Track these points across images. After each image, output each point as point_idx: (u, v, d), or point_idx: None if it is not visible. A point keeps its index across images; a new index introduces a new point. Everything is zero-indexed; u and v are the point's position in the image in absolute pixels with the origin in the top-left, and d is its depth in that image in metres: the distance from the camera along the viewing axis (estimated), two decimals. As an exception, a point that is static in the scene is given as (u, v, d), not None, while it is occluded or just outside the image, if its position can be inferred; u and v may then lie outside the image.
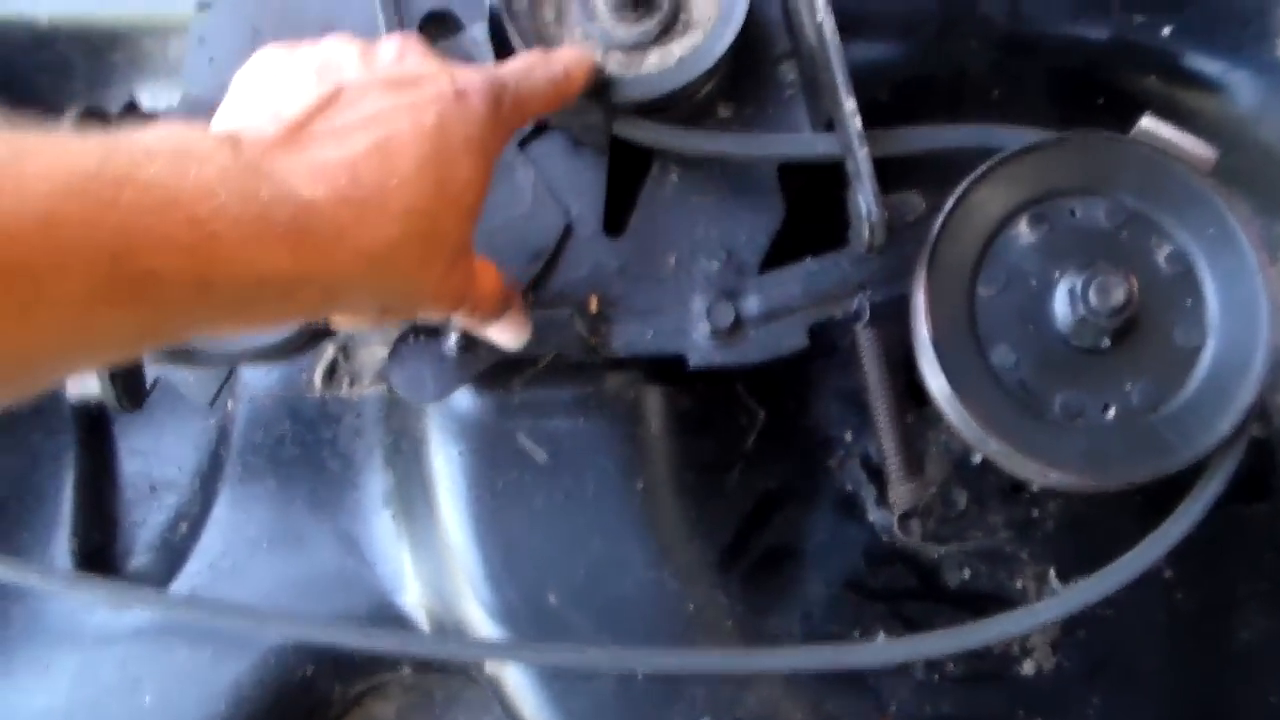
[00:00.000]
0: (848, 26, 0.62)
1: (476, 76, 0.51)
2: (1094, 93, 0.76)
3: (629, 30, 0.63)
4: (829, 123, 0.62)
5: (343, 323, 0.54)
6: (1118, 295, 0.56)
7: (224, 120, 0.49)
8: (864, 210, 0.57)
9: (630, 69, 0.63)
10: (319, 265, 0.43)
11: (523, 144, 0.66)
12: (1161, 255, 0.59)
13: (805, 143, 0.64)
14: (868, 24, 0.70)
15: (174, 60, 0.79)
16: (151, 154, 0.38)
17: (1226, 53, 0.71)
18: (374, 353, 0.76)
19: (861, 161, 0.57)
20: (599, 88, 0.61)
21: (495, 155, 0.52)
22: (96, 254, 0.35)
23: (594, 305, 0.64)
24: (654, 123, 0.63)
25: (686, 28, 0.63)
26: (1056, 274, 0.59)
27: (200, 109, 0.69)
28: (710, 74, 0.62)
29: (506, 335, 0.61)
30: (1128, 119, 0.73)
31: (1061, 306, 0.58)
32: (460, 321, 0.59)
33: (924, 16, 0.70)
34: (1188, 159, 0.60)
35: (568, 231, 0.65)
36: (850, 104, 0.57)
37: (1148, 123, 0.60)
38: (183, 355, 0.61)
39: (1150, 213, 0.60)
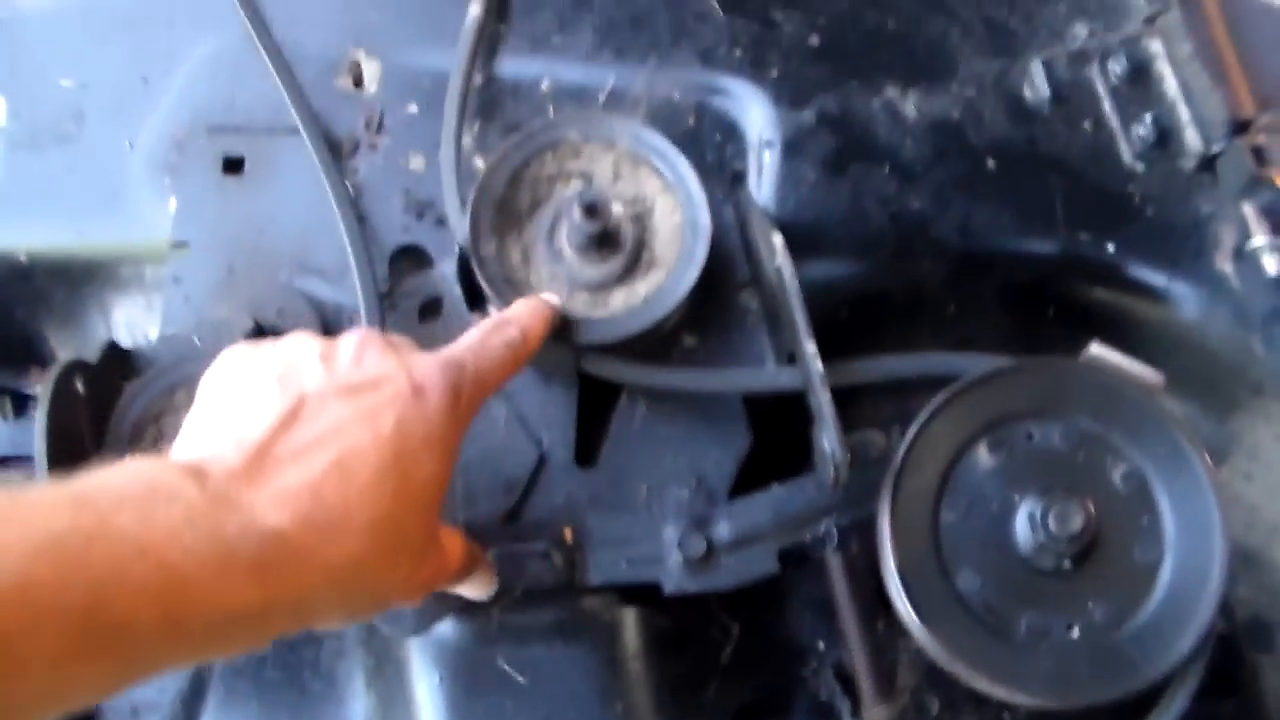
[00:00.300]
0: (805, 248, 0.65)
1: (433, 367, 0.53)
2: (1045, 304, 0.79)
3: (594, 270, 0.66)
4: (791, 353, 0.65)
5: (312, 625, 0.54)
6: (1075, 521, 0.58)
7: (191, 434, 0.50)
8: (828, 451, 0.59)
9: (596, 308, 0.66)
10: (286, 591, 0.44)
11: None
12: (1117, 474, 0.62)
13: (768, 377, 0.67)
14: (824, 246, 0.73)
15: (150, 281, 0.81)
16: (120, 501, 0.40)
17: (1169, 265, 0.74)
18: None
19: (824, 404, 0.59)
20: (565, 330, 0.64)
21: (457, 442, 0.53)
22: (69, 612, 0.37)
23: (568, 536, 0.66)
24: (621, 360, 0.66)
25: (650, 267, 0.67)
26: (1016, 498, 0.61)
27: (178, 345, 0.72)
28: (674, 312, 0.65)
29: (474, 589, 0.63)
30: (1079, 327, 0.77)
31: (1023, 531, 0.60)
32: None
33: (878, 238, 0.74)
34: (1137, 382, 0.63)
35: (541, 461, 0.68)
36: (811, 347, 0.60)
37: (1096, 349, 0.63)
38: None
39: (1104, 434, 0.62)
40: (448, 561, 0.57)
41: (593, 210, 0.64)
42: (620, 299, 0.66)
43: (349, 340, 0.54)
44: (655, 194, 0.68)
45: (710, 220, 0.66)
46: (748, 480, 0.70)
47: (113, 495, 0.40)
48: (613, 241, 0.66)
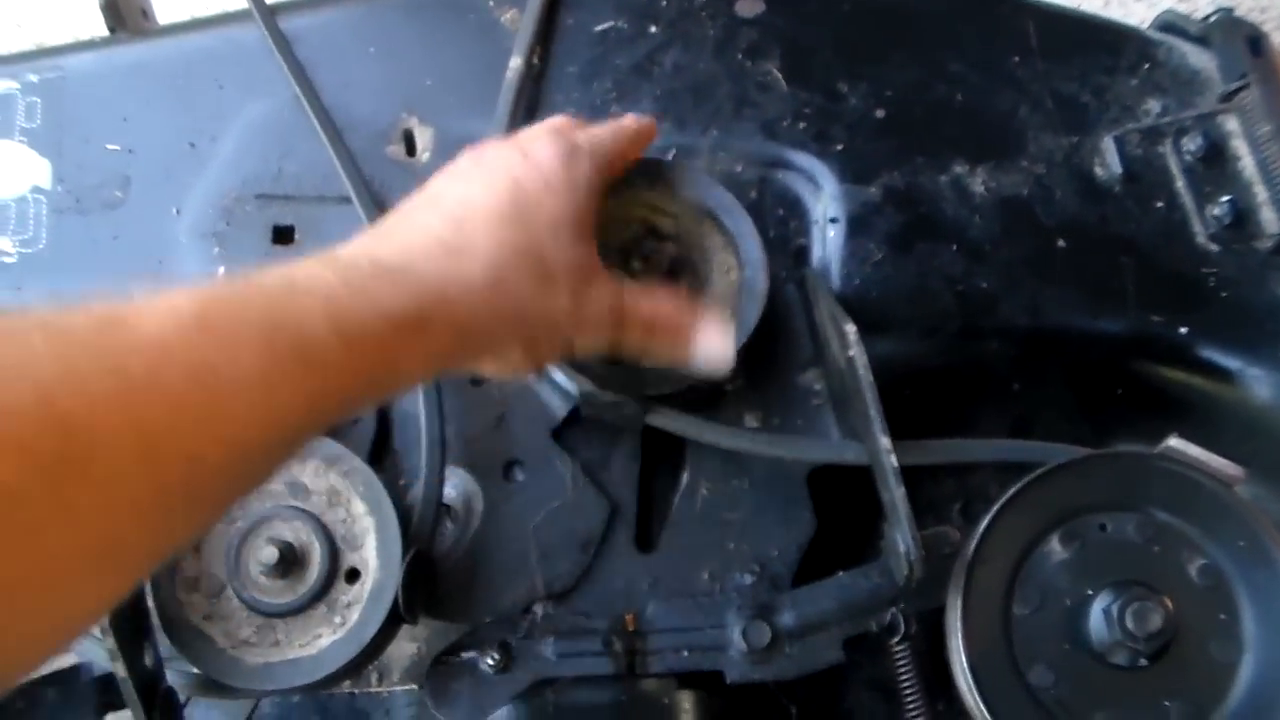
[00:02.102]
0: (869, 326, 0.68)
1: (539, 131, 0.62)
2: (1114, 383, 0.83)
3: None
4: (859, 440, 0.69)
5: (502, 369, 0.62)
6: (1154, 619, 0.61)
7: None
8: (901, 548, 0.63)
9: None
10: (435, 301, 0.52)
11: (557, 435, 0.73)
12: (1194, 569, 0.65)
13: (834, 448, 0.71)
14: (888, 324, 0.77)
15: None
16: (262, 270, 0.47)
17: (1244, 348, 0.77)
18: (403, 648, 0.80)
19: (899, 500, 0.63)
20: (632, 380, 0.68)
21: (586, 191, 0.62)
22: (252, 336, 0.43)
23: (630, 624, 0.70)
24: (688, 416, 0.70)
25: None
26: (1090, 592, 0.64)
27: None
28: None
29: (712, 347, 0.64)
30: (1148, 408, 0.81)
31: (1097, 626, 0.63)
32: (651, 353, 0.65)
33: (945, 317, 0.77)
34: (1217, 478, 0.66)
35: (614, 515, 0.72)
36: (885, 441, 0.63)
37: (1175, 443, 0.67)
38: (217, 689, 0.66)
39: (1180, 527, 0.65)
40: (634, 303, 0.63)
41: (650, 262, 0.69)
42: None
43: (472, 148, 0.63)
44: (715, 250, 0.72)
45: (767, 284, 0.70)
46: (805, 562, 0.73)
47: (254, 270, 0.47)
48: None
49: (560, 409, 0.74)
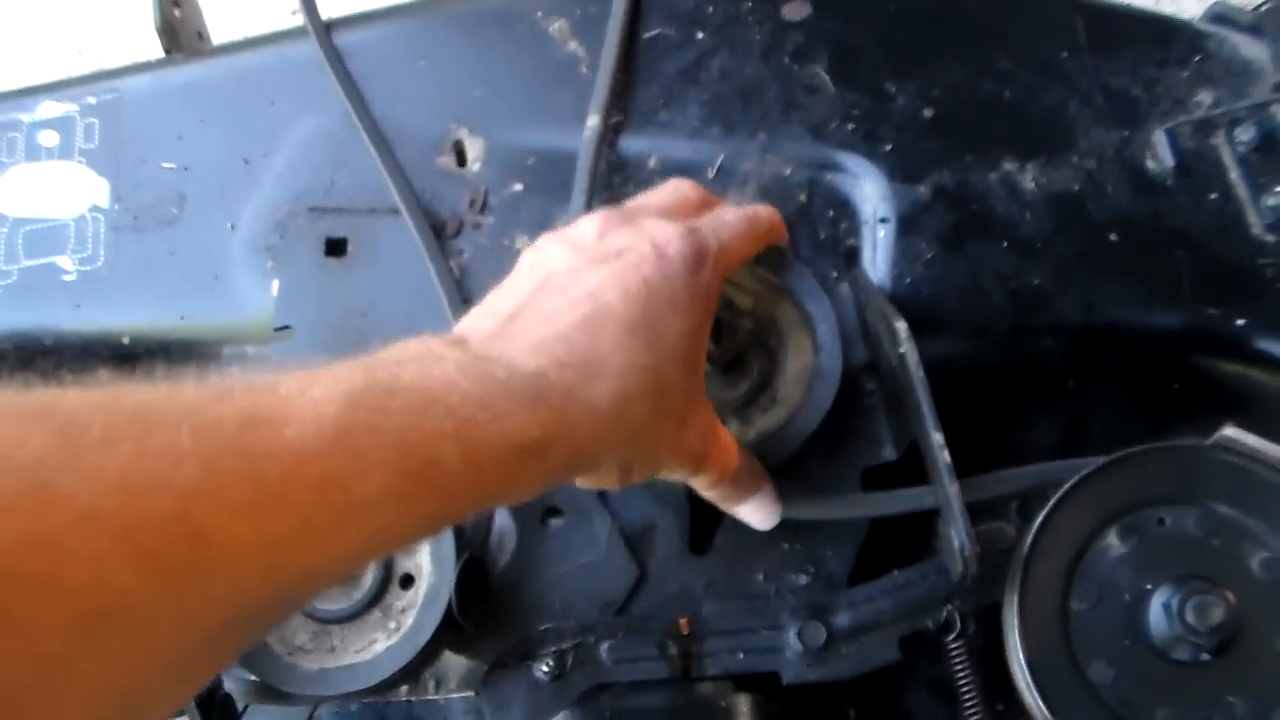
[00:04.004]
0: (921, 325, 0.68)
1: (674, 231, 0.59)
2: (1170, 377, 0.82)
3: (715, 393, 0.70)
4: (912, 440, 0.69)
5: (590, 482, 0.61)
6: (1216, 614, 0.60)
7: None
8: (956, 544, 0.63)
9: None
10: (560, 426, 0.50)
11: (602, 492, 0.73)
12: (1256, 562, 0.64)
13: (898, 500, 0.71)
14: (941, 323, 0.77)
15: (252, 360, 0.86)
16: (401, 364, 0.47)
17: (1304, 339, 0.77)
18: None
19: (953, 497, 0.62)
20: None
21: (707, 302, 0.60)
22: (387, 455, 0.43)
23: (684, 627, 0.70)
24: None
25: (771, 403, 0.71)
26: (1150, 587, 0.64)
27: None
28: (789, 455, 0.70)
29: (759, 515, 0.67)
30: (1205, 401, 0.80)
31: (1158, 621, 0.63)
32: (711, 494, 0.65)
33: (997, 315, 0.77)
34: (1275, 467, 0.66)
35: (645, 567, 0.72)
36: (938, 438, 0.63)
37: (1231, 431, 0.66)
38: (273, 695, 0.67)
39: (1241, 519, 0.65)
40: (721, 445, 0.62)
41: (724, 339, 0.69)
42: (734, 429, 0.70)
43: (591, 220, 0.61)
44: (791, 329, 0.72)
45: (841, 370, 0.69)
46: (863, 560, 0.74)
47: (394, 360, 0.48)
48: (739, 368, 0.70)
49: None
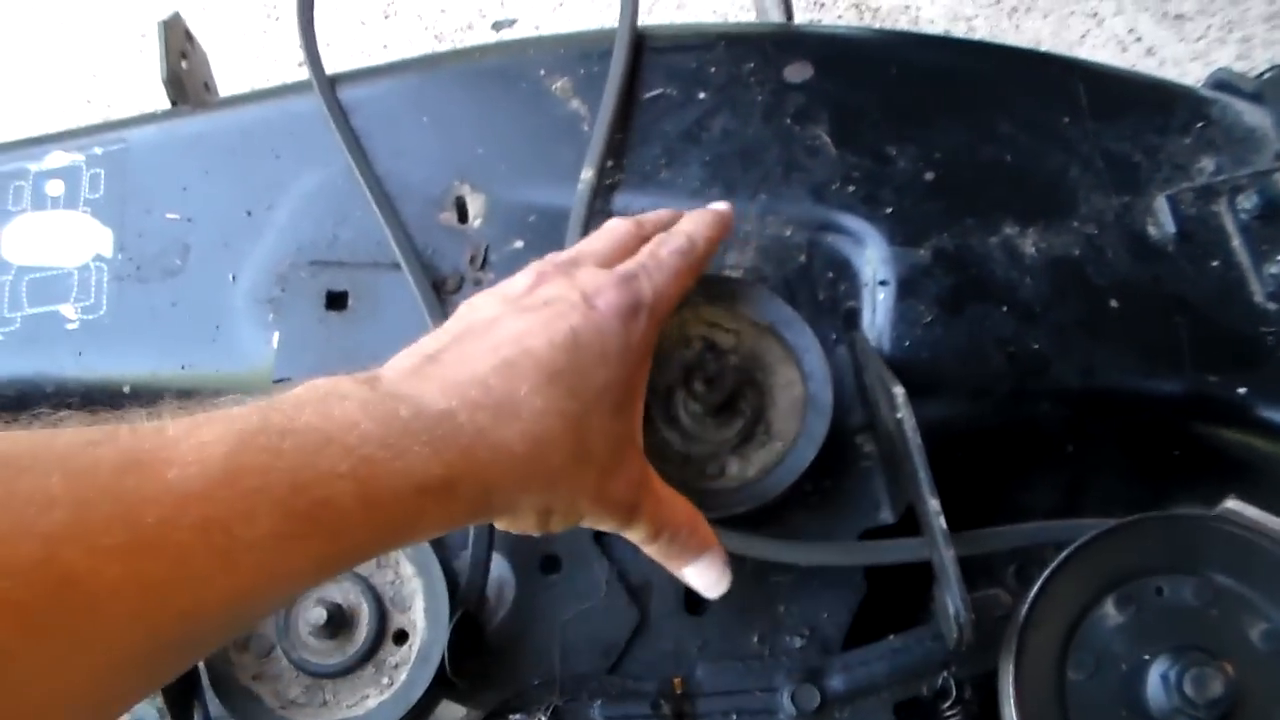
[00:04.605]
0: (920, 388, 0.68)
1: (606, 281, 0.59)
2: (1169, 444, 0.82)
3: (709, 437, 0.70)
4: (909, 504, 0.69)
5: (509, 526, 0.59)
6: (1215, 686, 0.60)
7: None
8: (951, 610, 0.62)
9: (705, 478, 0.70)
10: (467, 466, 0.50)
11: (599, 536, 0.73)
12: (1255, 633, 0.63)
13: (888, 550, 0.70)
14: (939, 387, 0.76)
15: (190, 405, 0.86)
16: (301, 405, 0.47)
17: (1305, 408, 0.77)
18: (453, 710, 0.80)
19: (948, 563, 0.62)
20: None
21: (641, 353, 0.59)
22: (275, 495, 0.42)
23: (678, 687, 0.69)
24: (732, 531, 0.69)
25: (767, 437, 0.71)
26: (1147, 658, 0.63)
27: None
28: (790, 489, 0.69)
29: (705, 580, 0.65)
30: (1205, 469, 0.80)
31: (1155, 693, 0.62)
32: (650, 550, 0.64)
33: (996, 379, 0.76)
34: (1276, 537, 0.65)
35: (640, 625, 0.72)
36: (934, 503, 0.63)
37: (1233, 504, 0.66)
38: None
39: (1240, 590, 0.64)
40: (657, 500, 0.61)
41: (713, 383, 0.68)
42: (734, 469, 0.70)
43: (525, 273, 0.61)
44: (777, 363, 0.72)
45: (832, 398, 0.70)
46: (859, 625, 0.73)
47: (293, 400, 0.47)
48: (730, 409, 0.70)
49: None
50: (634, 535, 0.62)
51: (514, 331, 0.55)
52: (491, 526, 0.71)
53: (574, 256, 0.64)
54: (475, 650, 0.71)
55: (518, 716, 0.70)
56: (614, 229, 0.67)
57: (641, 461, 0.61)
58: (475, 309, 0.59)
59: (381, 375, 0.53)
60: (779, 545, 0.70)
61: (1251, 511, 0.66)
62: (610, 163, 0.83)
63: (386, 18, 2.10)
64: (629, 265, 0.62)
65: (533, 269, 0.62)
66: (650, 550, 0.64)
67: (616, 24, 0.85)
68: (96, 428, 0.42)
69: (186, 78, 0.93)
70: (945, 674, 0.69)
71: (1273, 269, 0.78)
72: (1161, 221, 0.80)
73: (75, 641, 0.37)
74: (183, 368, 0.85)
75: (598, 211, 0.81)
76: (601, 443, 0.57)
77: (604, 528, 0.62)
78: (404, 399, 0.50)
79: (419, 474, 0.48)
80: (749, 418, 0.70)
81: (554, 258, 0.64)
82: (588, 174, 0.81)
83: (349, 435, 0.46)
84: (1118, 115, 0.83)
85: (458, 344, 0.55)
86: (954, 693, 0.69)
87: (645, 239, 0.67)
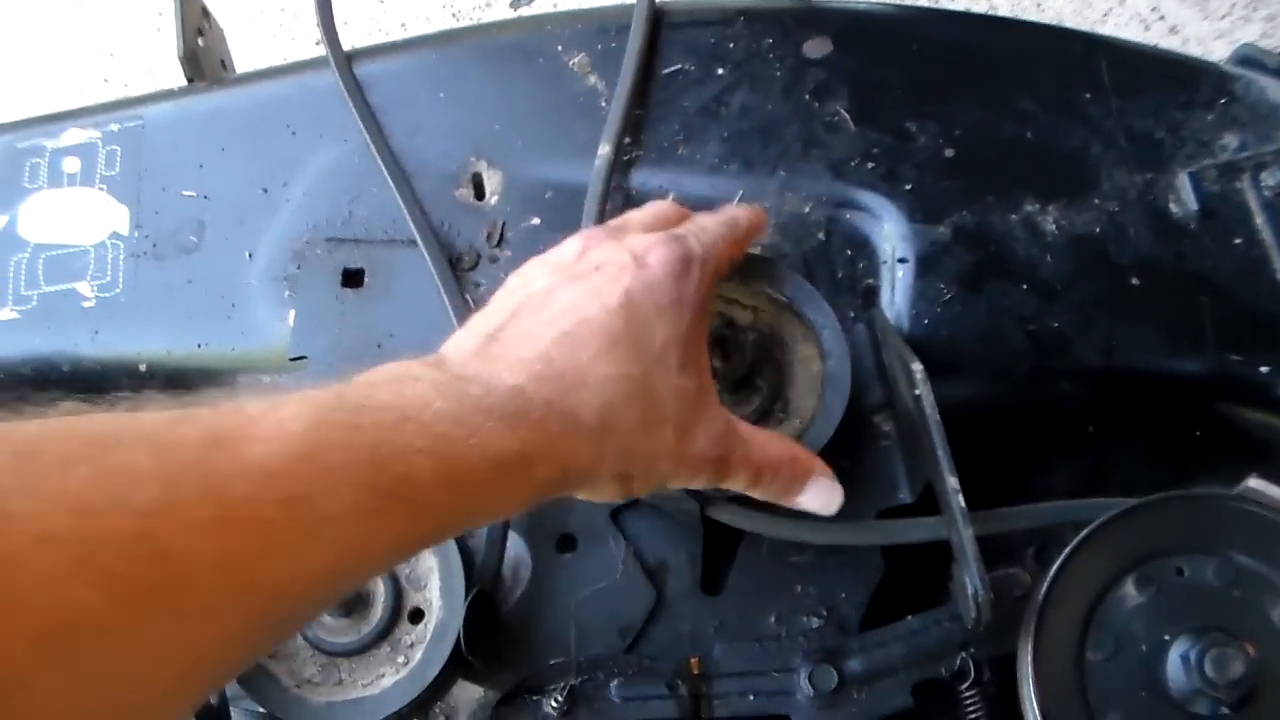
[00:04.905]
0: (939, 367, 0.68)
1: (654, 240, 0.59)
2: (1192, 424, 0.81)
3: (729, 410, 0.69)
4: (927, 482, 0.68)
5: (592, 496, 0.59)
6: (1236, 667, 0.59)
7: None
8: (969, 590, 0.62)
9: None
10: (540, 439, 0.50)
11: (615, 515, 0.72)
12: (1277, 614, 0.63)
13: (904, 529, 0.70)
14: (959, 365, 0.76)
15: (269, 386, 0.86)
16: (374, 386, 0.47)
17: (1328, 387, 0.76)
18: (469, 690, 0.80)
19: (967, 542, 0.61)
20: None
21: (694, 307, 0.59)
22: (357, 470, 0.43)
23: (695, 667, 0.69)
24: (749, 509, 0.69)
25: (784, 415, 0.70)
26: (1168, 638, 0.62)
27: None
28: None
29: (819, 502, 0.65)
30: (1227, 449, 0.79)
31: (1176, 674, 0.61)
32: (757, 494, 0.64)
33: (1016, 358, 0.75)
34: (1298, 516, 0.65)
35: (657, 606, 0.71)
36: (953, 482, 0.62)
37: (1255, 483, 0.65)
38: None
39: (1261, 570, 0.63)
40: (747, 445, 0.61)
41: (730, 358, 0.68)
42: None
43: (574, 240, 0.61)
44: (795, 340, 0.71)
45: (850, 375, 0.69)
46: (877, 605, 0.72)
47: (366, 381, 0.48)
48: (748, 385, 0.70)
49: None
50: (734, 485, 0.62)
51: (569, 301, 0.56)
52: None
53: (621, 223, 0.65)
54: (491, 629, 0.70)
55: (534, 697, 0.69)
56: (657, 205, 0.68)
57: (721, 412, 0.61)
58: (528, 279, 0.59)
59: (446, 357, 0.53)
60: (797, 525, 0.69)
61: (1273, 490, 0.65)
62: (628, 139, 0.82)
63: (404, -5, 2.10)
64: (676, 229, 0.63)
65: (580, 235, 0.62)
66: (755, 493, 0.64)
67: (634, 1, 0.84)
68: (177, 409, 0.42)
69: (203, 55, 0.93)
70: (964, 655, 0.69)
71: (1297, 247, 0.77)
72: (1184, 199, 0.79)
73: (173, 615, 0.37)
74: (199, 346, 0.84)
75: (615, 188, 0.81)
76: (672, 401, 0.57)
77: (697, 485, 0.62)
78: (473, 379, 0.51)
79: (494, 450, 0.48)
80: (766, 394, 0.70)
81: (600, 226, 0.65)
82: (605, 150, 0.80)
83: (424, 413, 0.46)
84: (1140, 91, 0.82)
85: (515, 320, 0.56)
86: (973, 673, 0.68)
87: (686, 214, 0.67)
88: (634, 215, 0.66)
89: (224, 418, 0.42)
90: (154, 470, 0.38)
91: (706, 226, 0.64)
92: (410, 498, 0.45)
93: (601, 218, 0.78)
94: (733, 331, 0.70)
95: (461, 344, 0.55)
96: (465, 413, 0.48)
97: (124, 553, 0.36)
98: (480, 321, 0.57)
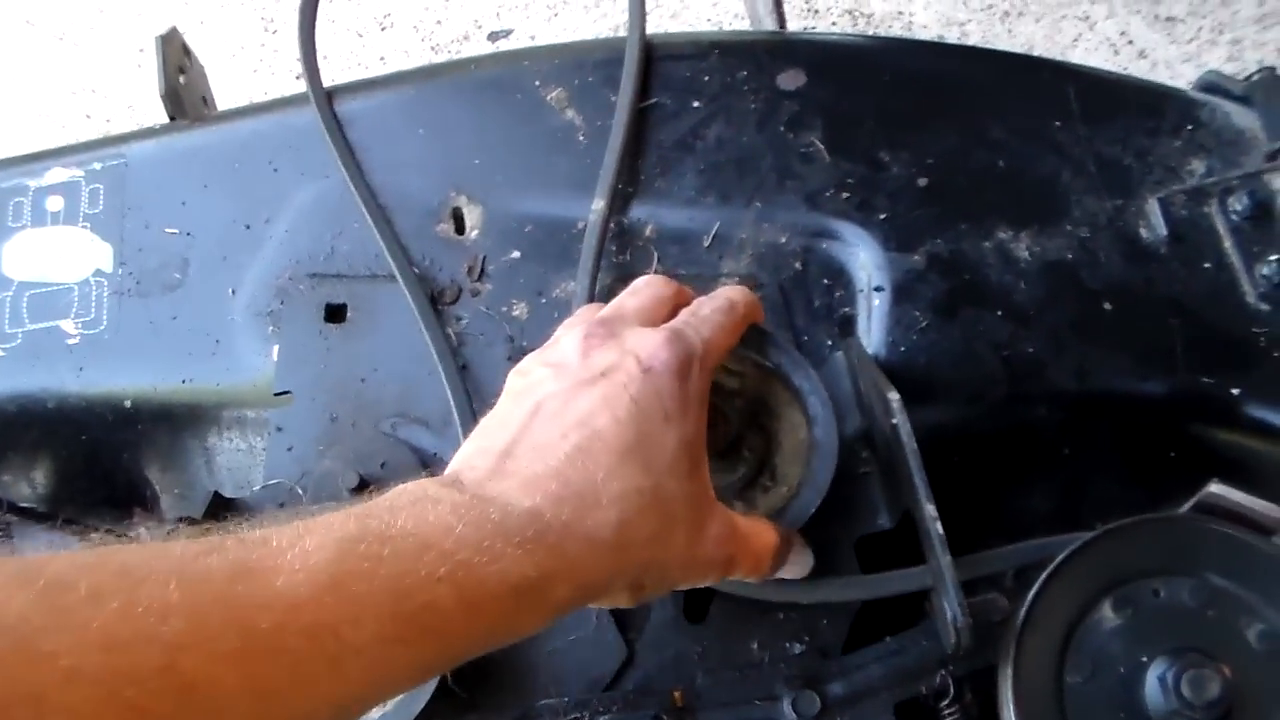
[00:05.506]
0: (915, 393, 0.68)
1: (657, 343, 0.58)
2: (1165, 445, 0.82)
3: (715, 480, 0.69)
4: (905, 510, 0.68)
5: (602, 604, 0.59)
6: (1212, 688, 0.59)
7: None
8: (949, 615, 0.62)
9: None
10: (558, 563, 0.50)
11: None
12: (1252, 634, 0.63)
13: (888, 582, 0.70)
14: (935, 391, 0.76)
15: (252, 424, 0.86)
16: (394, 510, 0.47)
17: (1299, 408, 0.76)
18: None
19: (945, 568, 0.62)
20: None
21: (700, 405, 0.59)
22: (380, 600, 0.43)
23: (679, 699, 0.69)
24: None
25: (772, 482, 0.70)
26: (1145, 659, 0.63)
27: (281, 494, 0.77)
28: None
29: (797, 570, 0.67)
30: (1201, 470, 0.79)
31: (1153, 695, 0.62)
32: (758, 580, 0.65)
33: (991, 382, 0.76)
34: (1261, 522, 0.65)
35: (627, 663, 0.71)
36: (931, 509, 0.62)
37: (1216, 488, 0.66)
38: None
39: (1237, 591, 0.64)
40: (747, 540, 0.61)
41: (717, 427, 0.68)
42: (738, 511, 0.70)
43: (571, 338, 0.60)
44: (782, 406, 0.70)
45: (837, 442, 0.68)
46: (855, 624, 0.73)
47: (387, 507, 0.48)
48: (735, 453, 0.69)
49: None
50: (740, 576, 0.63)
51: (579, 413, 0.55)
52: None
53: (617, 314, 0.63)
54: (478, 662, 0.70)
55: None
56: (651, 283, 0.66)
57: (722, 511, 0.60)
58: (531, 384, 0.58)
59: (463, 478, 0.53)
60: (777, 587, 0.70)
61: (1234, 494, 0.65)
62: (621, 184, 0.83)
63: (383, 29, 2.10)
64: (675, 322, 0.62)
65: (578, 331, 0.60)
66: (754, 580, 0.65)
67: (611, 35, 0.85)
68: (204, 539, 0.43)
69: (184, 92, 0.93)
70: (943, 672, 0.69)
71: (1264, 270, 0.77)
72: (1153, 224, 0.79)
73: None
74: (183, 382, 0.84)
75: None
76: (682, 507, 0.57)
77: (704, 584, 0.63)
78: (491, 500, 0.51)
79: (514, 576, 0.48)
80: (753, 462, 0.69)
81: (595, 316, 0.63)
82: (599, 204, 0.80)
83: (445, 540, 0.47)
84: (1108, 119, 0.83)
85: (527, 433, 0.55)
86: (952, 691, 0.69)
87: (682, 299, 0.67)
88: (629, 304, 0.64)
89: (250, 549, 0.42)
90: (182, 603, 0.38)
91: (704, 316, 0.63)
92: (432, 625, 0.45)
93: (595, 273, 0.79)
94: (720, 399, 0.70)
95: (474, 460, 0.54)
96: (485, 538, 0.48)
97: (151, 688, 0.36)
98: (491, 434, 0.56)
